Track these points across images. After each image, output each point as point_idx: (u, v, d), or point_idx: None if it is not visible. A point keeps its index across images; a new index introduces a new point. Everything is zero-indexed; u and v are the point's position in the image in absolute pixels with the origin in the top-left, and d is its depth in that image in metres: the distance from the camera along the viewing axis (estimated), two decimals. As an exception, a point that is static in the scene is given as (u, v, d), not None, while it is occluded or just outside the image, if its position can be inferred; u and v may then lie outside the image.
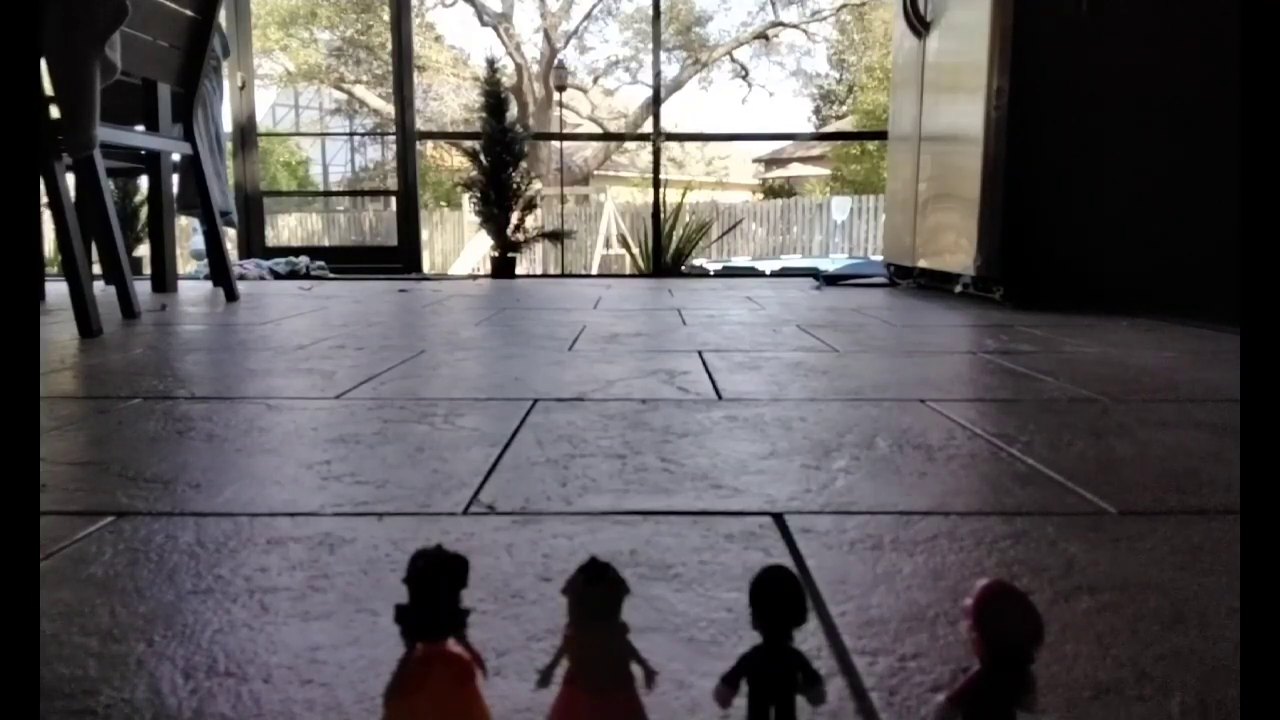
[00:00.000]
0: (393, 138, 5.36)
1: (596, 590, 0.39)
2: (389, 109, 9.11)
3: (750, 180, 19.64)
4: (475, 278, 5.02)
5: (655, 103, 5.33)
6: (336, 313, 2.68)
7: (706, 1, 19.28)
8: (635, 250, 6.32)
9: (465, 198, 6.75)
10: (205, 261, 3.72)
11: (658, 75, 5.47)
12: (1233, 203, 2.53)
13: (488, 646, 0.55)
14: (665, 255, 5.13)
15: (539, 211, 5.25)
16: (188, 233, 7.35)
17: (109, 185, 2.46)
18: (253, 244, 5.20)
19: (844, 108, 18.24)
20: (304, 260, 4.79)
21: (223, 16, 3.94)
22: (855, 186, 16.33)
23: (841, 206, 14.04)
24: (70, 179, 2.43)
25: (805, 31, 16.46)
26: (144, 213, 4.42)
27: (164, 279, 3.33)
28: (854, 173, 17.36)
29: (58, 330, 2.19)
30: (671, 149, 15.14)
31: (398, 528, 0.78)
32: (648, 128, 5.65)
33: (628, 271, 7.52)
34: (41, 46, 2.06)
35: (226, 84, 4.57)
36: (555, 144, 13.03)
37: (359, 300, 3.14)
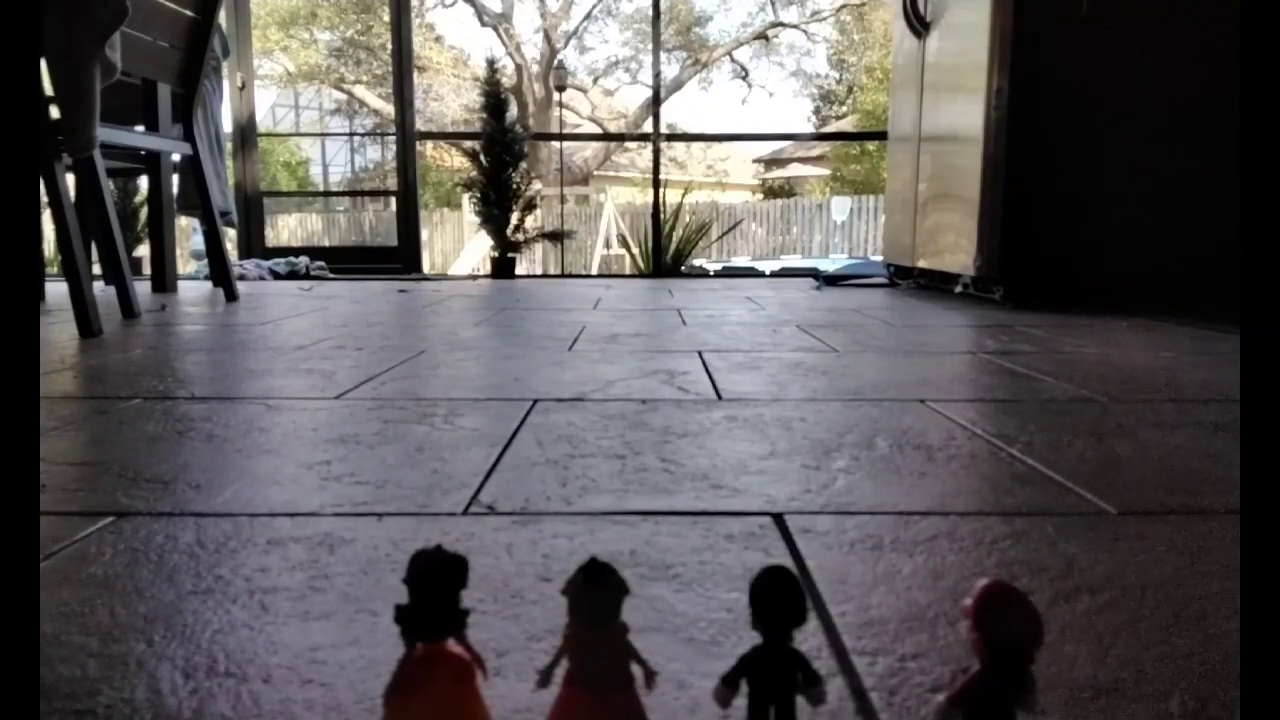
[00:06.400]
0: (393, 138, 5.36)
1: (596, 590, 0.39)
2: (389, 109, 9.11)
3: (750, 180, 19.64)
4: (475, 278, 5.02)
5: (655, 103, 5.33)
6: (336, 313, 2.68)
7: (706, 1, 19.33)
8: (635, 250, 6.32)
9: (465, 198, 6.75)
10: (205, 261, 3.72)
11: (658, 75, 5.47)
12: (1232, 203, 2.53)
13: (488, 646, 0.55)
14: (665, 255, 5.13)
15: (539, 212, 5.25)
16: (188, 233, 7.34)
17: (109, 185, 2.46)
18: (253, 244, 5.20)
19: (844, 108, 18.25)
20: (304, 260, 4.79)
21: (223, 17, 3.94)
22: (855, 186, 16.33)
23: (841, 207, 14.04)
24: (70, 179, 2.43)
25: (805, 32, 16.45)
26: (144, 213, 4.42)
27: (164, 279, 3.33)
28: (854, 173, 17.36)
29: (58, 330, 2.19)
30: (672, 149, 15.15)
31: (398, 528, 0.78)
32: (648, 128, 5.65)
33: (628, 272, 7.52)
34: (41, 46, 2.06)
35: (226, 84, 4.58)
36: (555, 144, 13.04)
37: (359, 300, 3.14)
